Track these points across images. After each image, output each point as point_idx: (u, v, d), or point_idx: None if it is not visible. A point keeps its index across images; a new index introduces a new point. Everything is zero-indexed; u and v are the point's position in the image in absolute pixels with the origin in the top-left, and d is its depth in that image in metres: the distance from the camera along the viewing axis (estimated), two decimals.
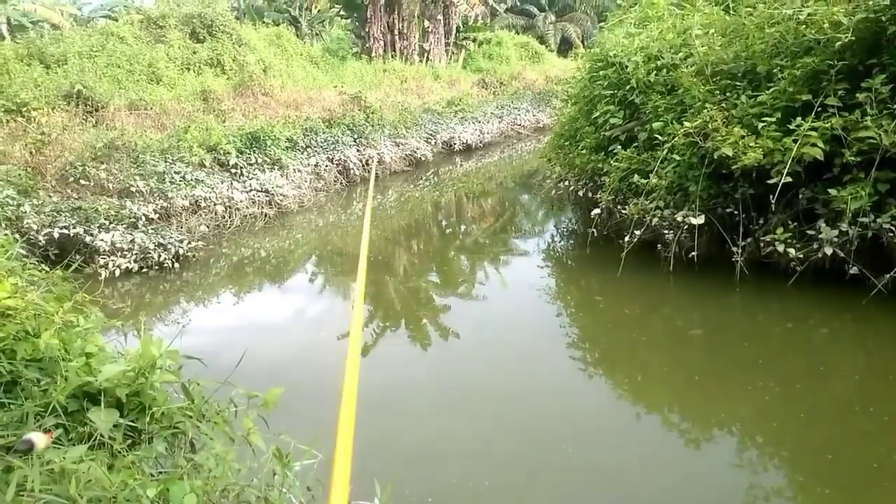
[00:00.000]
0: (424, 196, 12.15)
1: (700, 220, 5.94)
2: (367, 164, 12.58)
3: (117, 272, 6.97)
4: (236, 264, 7.85)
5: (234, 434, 2.16)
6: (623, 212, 6.77)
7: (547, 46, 29.47)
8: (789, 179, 5.35)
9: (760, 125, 5.61)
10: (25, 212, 7.02)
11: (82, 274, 6.63)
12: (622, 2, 10.68)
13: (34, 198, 7.50)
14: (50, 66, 11.40)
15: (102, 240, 7.08)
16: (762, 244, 5.70)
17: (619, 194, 6.98)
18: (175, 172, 8.90)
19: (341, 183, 11.95)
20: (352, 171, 12.15)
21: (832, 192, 5.30)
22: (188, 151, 9.42)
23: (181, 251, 7.48)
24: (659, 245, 6.41)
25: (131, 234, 7.38)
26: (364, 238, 4.86)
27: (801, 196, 5.59)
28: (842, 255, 5.27)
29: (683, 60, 6.86)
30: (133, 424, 2.07)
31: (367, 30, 20.06)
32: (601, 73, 7.90)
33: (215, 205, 8.96)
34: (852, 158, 5.17)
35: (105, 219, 7.41)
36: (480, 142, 16.81)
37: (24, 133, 8.45)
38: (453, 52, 22.58)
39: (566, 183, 8.67)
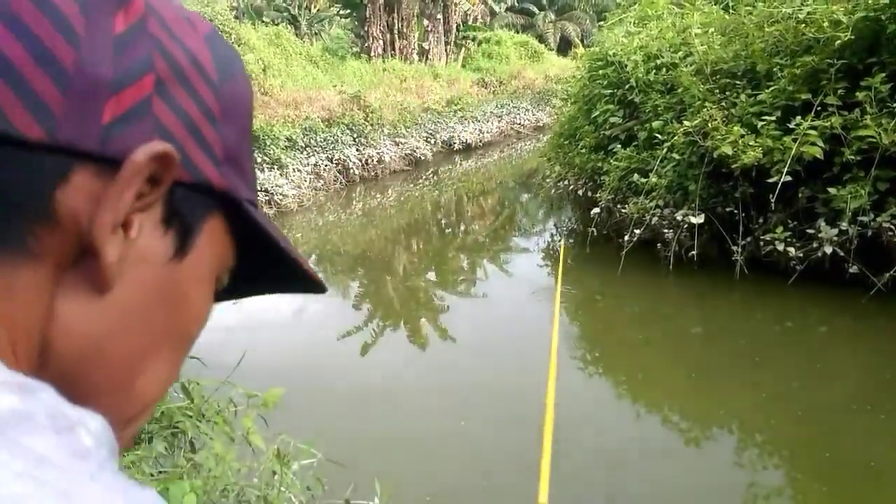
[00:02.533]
0: (424, 195, 12.15)
1: (700, 219, 5.94)
2: (367, 164, 12.57)
3: None
4: None
5: (234, 434, 2.16)
6: (623, 211, 6.77)
7: (546, 45, 29.46)
8: (789, 178, 5.35)
9: (760, 124, 5.61)
10: None
11: None
12: (621, 1, 10.69)
13: None
14: None
15: None
16: (762, 243, 5.70)
17: (618, 193, 6.98)
18: None
19: (341, 182, 11.94)
20: (351, 171, 12.15)
21: (832, 190, 5.30)
22: None
23: None
24: (658, 244, 6.41)
25: None
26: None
27: (800, 195, 5.59)
28: (841, 253, 5.27)
29: (683, 59, 6.86)
30: None
31: (366, 29, 20.04)
32: (600, 72, 7.89)
33: None
34: (852, 157, 5.17)
35: None
36: (480, 141, 16.80)
37: None
38: (453, 52, 22.57)
39: (566, 182, 8.67)
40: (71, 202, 0.27)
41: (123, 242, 0.29)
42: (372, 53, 19.48)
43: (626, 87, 7.32)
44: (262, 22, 19.03)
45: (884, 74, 5.19)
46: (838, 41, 5.33)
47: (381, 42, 19.87)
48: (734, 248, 5.90)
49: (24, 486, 0.20)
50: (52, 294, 0.28)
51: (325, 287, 0.40)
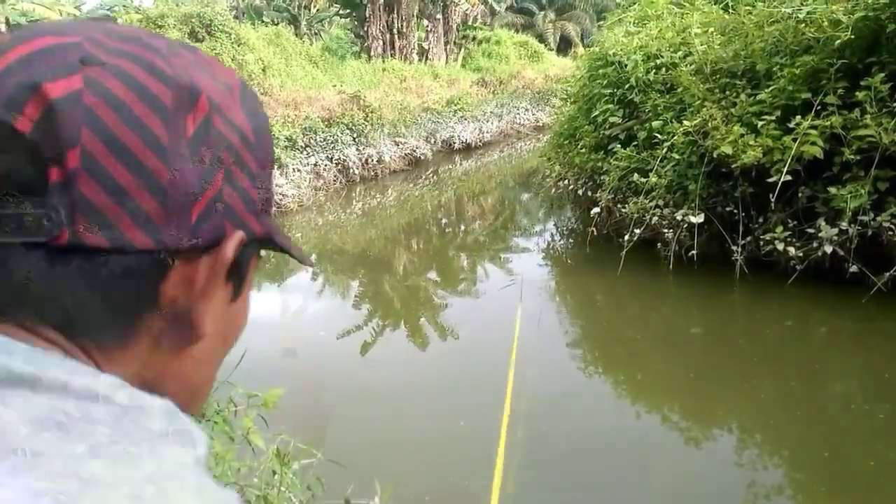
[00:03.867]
0: (424, 195, 12.15)
1: (699, 218, 5.94)
2: (367, 163, 12.56)
3: None
4: None
5: (234, 433, 2.16)
6: (622, 210, 6.77)
7: (546, 45, 29.45)
8: (789, 178, 5.34)
9: (760, 124, 5.61)
10: None
11: None
12: (621, 0, 10.68)
13: None
14: None
15: None
16: (762, 243, 5.70)
17: (618, 193, 6.98)
18: None
19: (340, 182, 11.94)
20: (351, 171, 12.15)
21: (832, 190, 5.30)
22: None
23: None
24: (658, 244, 6.40)
25: None
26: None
27: (800, 194, 5.59)
28: (841, 253, 5.26)
29: (683, 59, 6.86)
30: None
31: (366, 29, 20.03)
32: (600, 71, 7.89)
33: None
34: (852, 157, 5.17)
35: None
36: (480, 141, 16.80)
37: None
38: (452, 51, 22.56)
39: (565, 182, 8.66)
40: (171, 290, 0.35)
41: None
42: (372, 53, 19.47)
43: (626, 86, 7.32)
44: (262, 22, 19.03)
45: (883, 74, 5.19)
46: (838, 41, 5.33)
47: (380, 42, 19.86)
48: (734, 247, 5.90)
49: (178, 483, 0.30)
50: (151, 352, 0.36)
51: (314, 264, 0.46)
